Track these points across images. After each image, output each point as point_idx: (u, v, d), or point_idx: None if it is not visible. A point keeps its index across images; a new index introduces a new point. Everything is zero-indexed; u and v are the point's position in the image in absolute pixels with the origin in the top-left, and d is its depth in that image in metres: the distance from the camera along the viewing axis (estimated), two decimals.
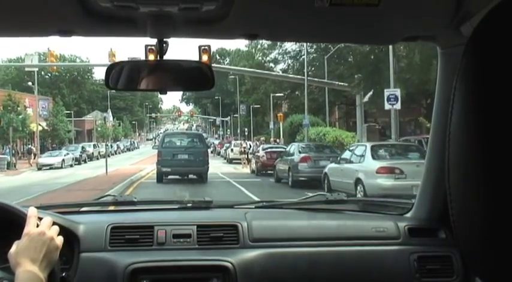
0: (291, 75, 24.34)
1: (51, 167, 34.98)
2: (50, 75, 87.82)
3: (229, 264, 1.95)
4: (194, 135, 24.04)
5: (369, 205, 3.06)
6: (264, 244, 2.06)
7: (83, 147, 44.83)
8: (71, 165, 37.59)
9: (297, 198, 3.37)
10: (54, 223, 1.56)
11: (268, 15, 1.69)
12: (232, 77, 63.27)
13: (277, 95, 43.44)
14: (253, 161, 27.26)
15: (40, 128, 48.62)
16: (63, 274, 1.69)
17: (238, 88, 59.21)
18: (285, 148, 26.44)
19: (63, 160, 36.78)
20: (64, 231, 1.68)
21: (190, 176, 20.65)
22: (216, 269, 1.96)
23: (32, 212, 1.51)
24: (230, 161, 38.89)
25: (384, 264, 2.06)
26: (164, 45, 1.77)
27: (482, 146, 0.62)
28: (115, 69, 1.82)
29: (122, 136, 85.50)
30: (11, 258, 1.42)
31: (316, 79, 28.83)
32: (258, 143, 36.12)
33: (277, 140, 35.61)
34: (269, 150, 25.82)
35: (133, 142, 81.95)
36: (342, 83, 27.17)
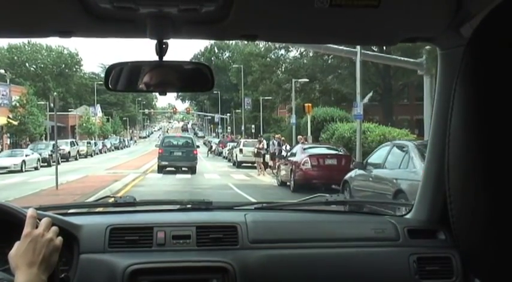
0: (340, 47, 17.01)
1: (8, 170, 26.71)
2: (35, 67, 78.11)
3: (228, 266, 1.99)
4: (187, 138, 30.93)
5: (369, 206, 3.08)
6: (264, 245, 2.11)
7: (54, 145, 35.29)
8: (36, 168, 29.70)
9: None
10: (53, 224, 1.55)
11: (267, 16, 1.73)
12: (236, 66, 54.10)
13: (300, 80, 34.23)
14: (282, 167, 17.94)
15: (4, 121, 38.98)
16: (63, 275, 1.69)
17: (242, 79, 49.94)
18: (336, 150, 17.15)
19: (24, 161, 27.90)
20: (64, 232, 1.69)
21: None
22: (215, 270, 2.00)
23: (31, 213, 1.52)
24: (238, 165, 30.11)
25: (384, 265, 2.10)
26: (164, 46, 1.79)
27: (482, 147, 0.62)
28: (114, 70, 1.86)
29: (111, 133, 75.87)
30: (11, 260, 1.43)
31: (371, 53, 20.27)
32: (275, 141, 26.71)
33: (303, 138, 26.05)
34: (314, 153, 16.49)
35: (123, 140, 72.34)
36: (407, 59, 18.46)
